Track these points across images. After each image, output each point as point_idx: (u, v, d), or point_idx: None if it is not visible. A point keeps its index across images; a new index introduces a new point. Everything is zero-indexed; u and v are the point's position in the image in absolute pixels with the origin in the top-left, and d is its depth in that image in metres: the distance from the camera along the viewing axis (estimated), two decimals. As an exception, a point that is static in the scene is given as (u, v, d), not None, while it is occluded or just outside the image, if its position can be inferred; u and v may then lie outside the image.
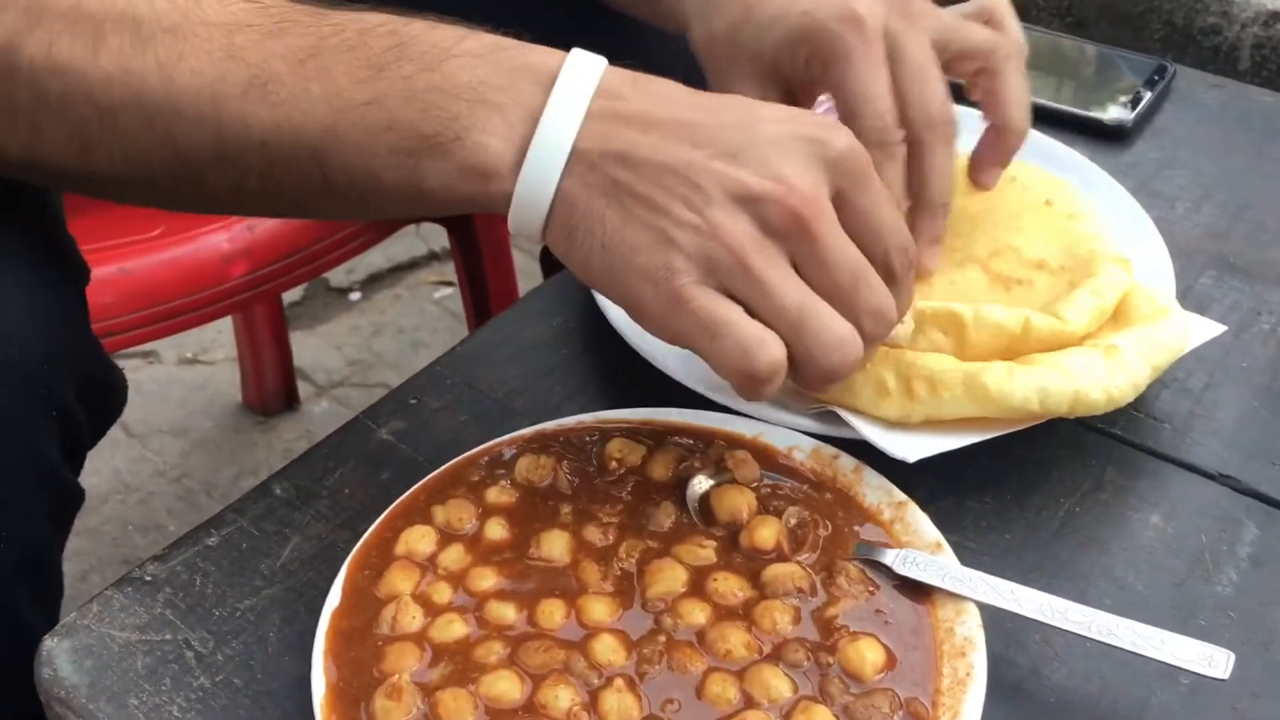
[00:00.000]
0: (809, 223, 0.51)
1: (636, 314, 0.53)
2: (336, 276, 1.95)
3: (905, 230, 0.55)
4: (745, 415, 0.63)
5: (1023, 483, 0.63)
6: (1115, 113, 0.88)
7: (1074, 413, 0.60)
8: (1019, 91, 0.66)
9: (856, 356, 0.52)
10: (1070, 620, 0.52)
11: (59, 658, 0.55)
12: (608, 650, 0.52)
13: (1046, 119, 0.88)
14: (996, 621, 0.53)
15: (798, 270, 0.52)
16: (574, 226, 0.52)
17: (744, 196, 0.51)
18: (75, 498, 0.65)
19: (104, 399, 0.67)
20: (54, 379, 0.60)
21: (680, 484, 0.60)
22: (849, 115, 0.60)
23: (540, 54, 0.53)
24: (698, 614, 0.53)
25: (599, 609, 0.54)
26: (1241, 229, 0.80)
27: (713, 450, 0.61)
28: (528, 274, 1.14)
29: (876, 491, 0.59)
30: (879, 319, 0.54)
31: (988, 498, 0.62)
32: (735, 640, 0.52)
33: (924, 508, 0.58)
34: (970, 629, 0.52)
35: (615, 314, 0.69)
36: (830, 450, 0.61)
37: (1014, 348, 0.61)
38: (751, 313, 0.51)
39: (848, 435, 0.61)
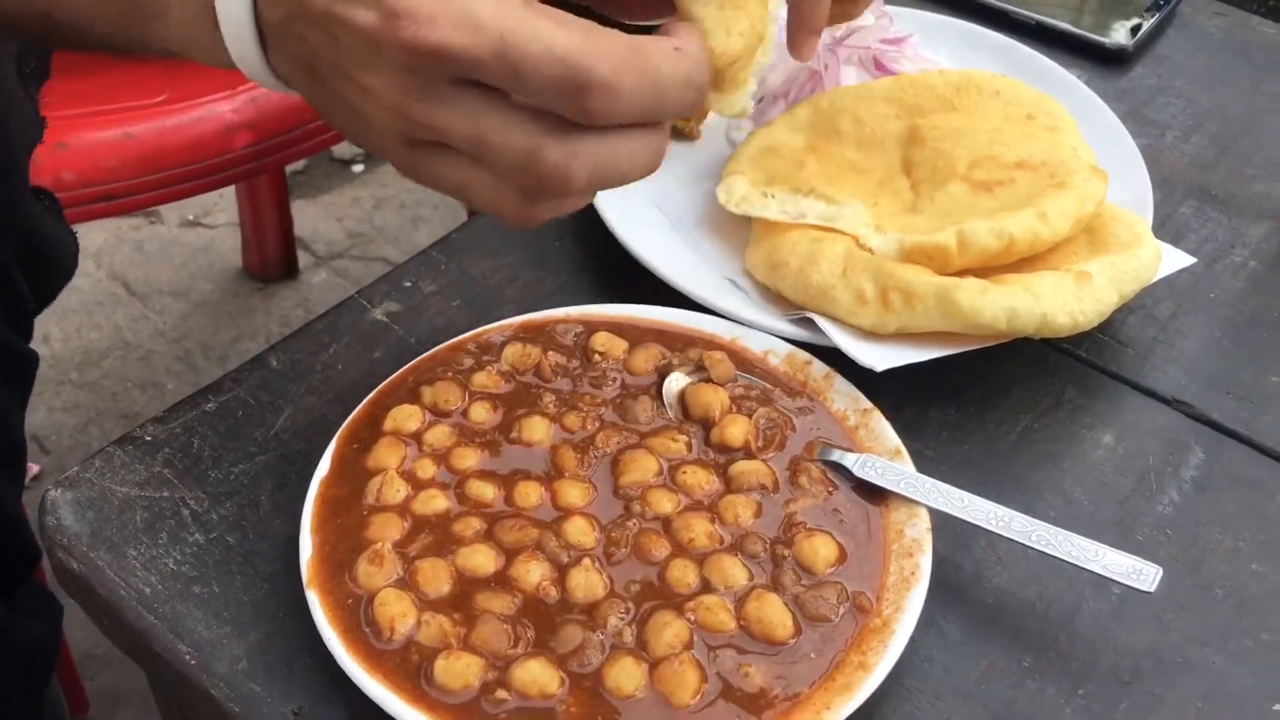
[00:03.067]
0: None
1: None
2: (340, 147, 1.95)
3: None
4: (725, 318, 0.65)
5: (985, 397, 0.65)
6: (1116, 35, 0.89)
7: (1040, 334, 0.62)
8: None
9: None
10: (1013, 529, 0.55)
11: (61, 508, 0.58)
12: (578, 531, 0.55)
13: (1048, 38, 0.89)
14: (947, 526, 0.57)
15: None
16: (298, 91, 0.50)
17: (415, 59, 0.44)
18: (25, 362, 0.66)
19: (47, 264, 0.67)
20: None
21: (659, 380, 0.62)
22: None
23: None
24: (665, 503, 0.57)
25: (573, 493, 0.57)
26: (1228, 161, 0.81)
27: (692, 350, 0.63)
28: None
29: (844, 398, 0.61)
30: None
31: (951, 409, 0.65)
32: (699, 530, 0.55)
33: (889, 416, 0.60)
34: (919, 532, 0.55)
35: (610, 212, 0.71)
36: (804, 356, 0.63)
37: (999, 261, 0.64)
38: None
39: (822, 342, 0.64)
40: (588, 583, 0.53)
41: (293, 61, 0.48)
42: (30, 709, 0.89)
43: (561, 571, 0.54)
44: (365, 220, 1.86)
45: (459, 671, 0.50)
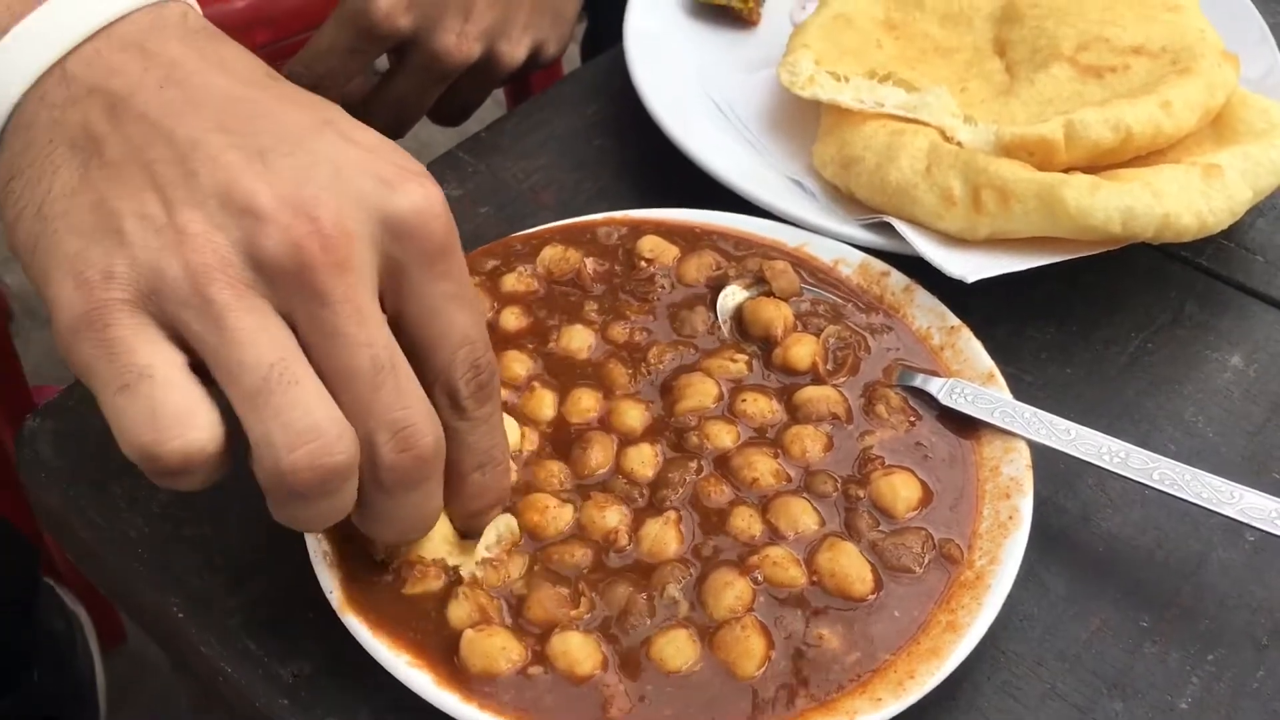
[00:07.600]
0: (317, 270, 0.36)
1: (50, 314, 0.37)
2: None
3: (486, 349, 0.41)
4: (789, 223, 0.57)
5: (1091, 312, 0.57)
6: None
7: (1159, 238, 0.53)
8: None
9: (332, 461, 0.36)
10: (1131, 467, 0.47)
11: (41, 439, 0.52)
12: (642, 461, 0.48)
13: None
14: (1047, 462, 0.49)
15: (302, 342, 0.37)
16: (19, 170, 0.39)
17: (243, 208, 0.37)
18: None
19: None
20: None
21: (713, 292, 0.55)
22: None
23: None
24: (725, 437, 0.49)
25: (633, 414, 0.50)
26: (1366, 41, 0.71)
27: (750, 259, 0.55)
28: (574, 61, 1.06)
29: (928, 314, 0.53)
30: (402, 441, 0.38)
31: (1050, 327, 0.56)
32: (762, 468, 0.48)
33: (979, 334, 0.52)
34: (1018, 469, 0.47)
35: (657, 104, 0.63)
36: (880, 266, 0.55)
37: (1110, 159, 0.55)
38: (209, 369, 0.37)
39: (902, 250, 0.55)
40: (659, 537, 0.46)
41: (63, 133, 0.38)
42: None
43: (636, 516, 0.47)
44: (404, 132, 1.78)
45: (490, 651, 0.42)
